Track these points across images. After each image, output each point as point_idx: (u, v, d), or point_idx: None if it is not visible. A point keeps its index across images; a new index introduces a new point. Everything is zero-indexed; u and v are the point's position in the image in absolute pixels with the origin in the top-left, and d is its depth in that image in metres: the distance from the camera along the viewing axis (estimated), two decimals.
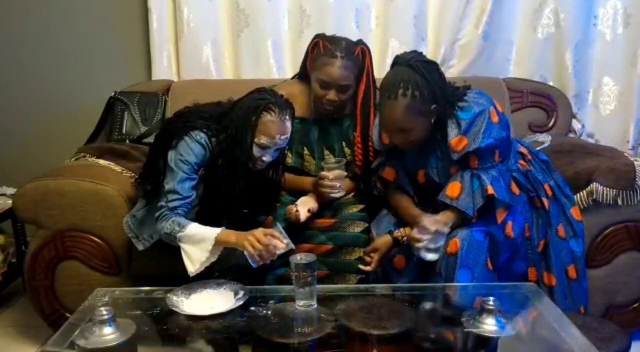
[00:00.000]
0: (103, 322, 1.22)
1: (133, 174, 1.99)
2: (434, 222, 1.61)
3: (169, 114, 2.37)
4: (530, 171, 1.81)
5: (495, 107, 1.69)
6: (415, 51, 1.70)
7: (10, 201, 2.22)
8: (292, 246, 1.51)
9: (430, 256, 1.59)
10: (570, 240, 1.81)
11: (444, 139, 1.68)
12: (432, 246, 1.59)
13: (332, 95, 1.87)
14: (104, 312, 1.23)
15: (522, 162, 1.82)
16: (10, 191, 2.40)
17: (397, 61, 1.65)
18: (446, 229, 1.62)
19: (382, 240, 1.72)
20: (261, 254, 1.49)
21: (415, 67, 1.60)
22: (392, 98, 1.60)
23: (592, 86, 2.60)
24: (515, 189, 1.73)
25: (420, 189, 1.83)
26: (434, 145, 1.73)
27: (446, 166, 1.72)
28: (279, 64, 2.61)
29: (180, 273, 1.57)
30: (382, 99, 1.65)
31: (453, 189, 1.66)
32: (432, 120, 1.65)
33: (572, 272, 1.80)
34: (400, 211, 1.80)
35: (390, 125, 1.66)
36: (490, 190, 1.61)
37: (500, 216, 1.65)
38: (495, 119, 1.66)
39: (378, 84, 1.97)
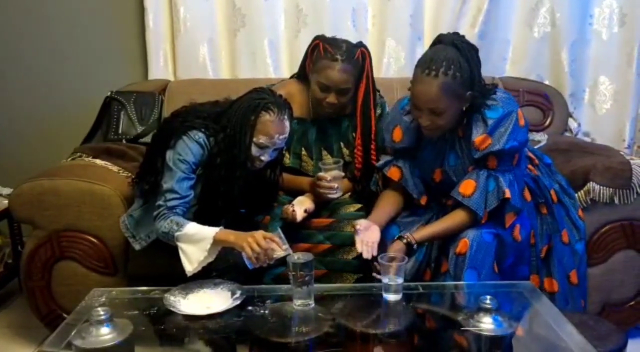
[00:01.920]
0: (100, 323, 1.22)
1: (129, 174, 1.98)
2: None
3: (166, 113, 2.36)
4: (539, 176, 1.80)
5: (521, 110, 1.67)
6: (458, 33, 1.66)
7: (6, 201, 2.21)
8: (290, 251, 1.50)
9: (392, 297, 1.47)
10: (576, 243, 1.81)
11: (466, 136, 1.66)
12: (391, 283, 1.46)
13: (331, 98, 1.87)
14: (101, 313, 1.22)
15: (530, 166, 1.81)
16: (6, 191, 2.39)
17: (442, 40, 1.61)
18: (403, 260, 1.51)
19: (395, 247, 1.65)
20: (258, 257, 1.49)
21: (461, 49, 1.57)
22: (432, 75, 1.55)
23: (588, 85, 2.61)
24: (527, 195, 1.72)
25: (433, 189, 1.82)
26: (454, 143, 1.71)
27: (464, 165, 1.70)
28: (276, 63, 2.61)
29: (177, 273, 1.57)
30: (420, 75, 1.57)
31: (467, 187, 1.64)
32: (464, 109, 1.62)
33: (573, 278, 1.80)
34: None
35: (422, 104, 1.60)
36: (508, 193, 1.60)
37: (509, 220, 1.64)
38: (522, 122, 1.64)
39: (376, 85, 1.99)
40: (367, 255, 1.59)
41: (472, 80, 1.58)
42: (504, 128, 1.61)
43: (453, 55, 1.56)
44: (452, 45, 1.58)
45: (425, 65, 1.57)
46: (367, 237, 1.63)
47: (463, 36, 1.64)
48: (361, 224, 1.66)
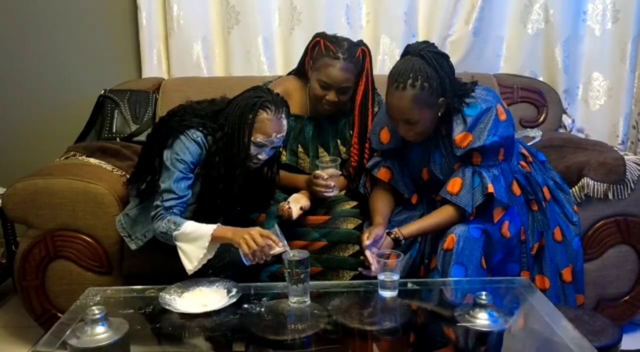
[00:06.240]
0: (95, 322, 1.21)
1: (124, 173, 1.98)
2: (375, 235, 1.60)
3: (160, 112, 2.35)
4: (531, 173, 1.80)
5: (502, 105, 1.68)
6: (427, 42, 1.67)
7: None
8: (287, 248, 1.50)
9: (388, 294, 1.48)
10: (573, 239, 1.81)
11: (449, 134, 1.67)
12: (387, 280, 1.46)
13: (331, 95, 1.87)
14: (96, 312, 1.22)
15: (523, 163, 1.81)
16: (0, 190, 2.38)
17: (409, 51, 1.62)
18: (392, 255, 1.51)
19: (384, 243, 1.65)
20: (255, 254, 1.49)
21: (426, 58, 1.58)
22: (401, 88, 1.57)
23: (581, 81, 2.62)
24: (516, 189, 1.72)
25: (423, 187, 1.83)
26: (438, 141, 1.72)
27: (450, 163, 1.71)
28: (270, 61, 2.61)
29: (172, 271, 1.56)
30: (390, 88, 1.61)
31: (454, 185, 1.66)
32: (439, 114, 1.64)
33: (567, 276, 1.80)
34: (371, 213, 1.79)
35: (396, 115, 1.63)
36: (491, 188, 1.61)
37: (497, 215, 1.65)
38: (502, 117, 1.65)
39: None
40: (376, 271, 1.55)
41: (442, 87, 1.60)
42: (484, 124, 1.62)
43: (419, 66, 1.57)
44: (418, 56, 1.59)
45: (393, 78, 1.60)
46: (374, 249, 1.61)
47: (432, 44, 1.65)
48: (372, 235, 1.62)
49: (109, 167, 2.02)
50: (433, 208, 1.74)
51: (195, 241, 1.54)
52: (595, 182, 1.87)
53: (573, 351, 1.23)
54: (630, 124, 2.62)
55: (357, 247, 1.78)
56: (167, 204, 1.59)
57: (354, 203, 1.90)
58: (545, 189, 1.81)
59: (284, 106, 1.66)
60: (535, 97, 2.48)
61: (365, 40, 1.99)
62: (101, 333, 1.21)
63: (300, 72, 2.01)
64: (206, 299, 1.46)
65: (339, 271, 1.78)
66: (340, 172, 1.89)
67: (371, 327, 1.42)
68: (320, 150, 2.01)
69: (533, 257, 1.77)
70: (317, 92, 1.88)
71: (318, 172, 1.84)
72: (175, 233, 1.55)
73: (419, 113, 1.60)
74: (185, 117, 1.68)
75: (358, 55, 1.87)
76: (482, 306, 1.34)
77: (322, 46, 1.86)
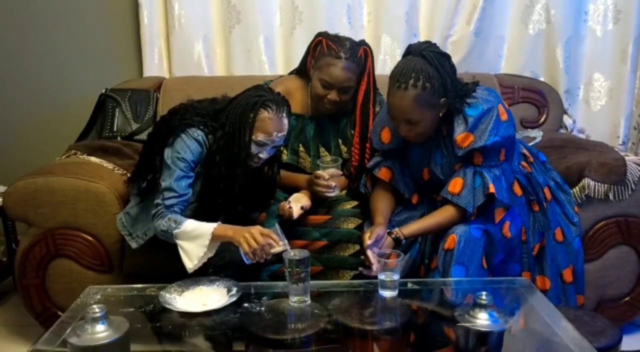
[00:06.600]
0: (95, 320, 1.21)
1: (124, 172, 1.98)
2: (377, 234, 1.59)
3: (161, 111, 2.36)
4: (532, 173, 1.80)
5: (503, 105, 1.67)
6: (428, 42, 1.67)
7: (0, 199, 2.20)
8: (288, 247, 1.50)
9: (388, 293, 1.47)
10: (574, 239, 1.81)
11: (450, 135, 1.67)
12: (387, 279, 1.46)
13: (333, 95, 1.87)
14: (97, 310, 1.21)
15: (524, 163, 1.81)
16: (1, 188, 2.38)
17: (410, 51, 1.63)
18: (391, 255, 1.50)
19: (385, 242, 1.65)
20: (255, 253, 1.49)
21: (428, 58, 1.58)
22: (402, 88, 1.57)
23: (582, 82, 2.62)
24: (517, 189, 1.72)
25: (424, 187, 1.83)
26: (439, 142, 1.72)
27: (451, 163, 1.71)
28: (271, 60, 2.61)
29: (173, 270, 1.56)
30: (392, 88, 1.61)
31: (455, 185, 1.66)
32: (441, 114, 1.64)
33: (567, 276, 1.79)
34: (371, 213, 1.79)
35: (397, 115, 1.64)
36: (492, 188, 1.61)
37: (499, 216, 1.65)
38: (503, 117, 1.65)
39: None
40: (376, 270, 1.54)
41: (444, 87, 1.60)
42: (485, 124, 1.62)
43: (421, 66, 1.57)
44: (420, 56, 1.59)
45: (395, 78, 1.60)
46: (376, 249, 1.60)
47: (434, 44, 1.65)
48: (374, 235, 1.62)
49: (109, 165, 2.02)
50: (434, 208, 1.74)
51: (195, 239, 1.54)
52: (596, 183, 1.87)
53: (573, 351, 1.23)
54: (631, 125, 2.62)
55: (357, 247, 1.78)
56: (167, 202, 1.59)
57: (355, 203, 1.90)
58: (546, 190, 1.81)
59: (285, 105, 1.66)
60: (536, 98, 2.48)
61: (366, 40, 1.99)
62: (101, 332, 1.20)
63: (302, 71, 2.01)
64: (206, 298, 1.46)
65: (339, 270, 1.78)
66: (341, 172, 1.89)
67: (371, 327, 1.41)
68: (322, 149, 2.01)
69: (534, 257, 1.77)
70: (319, 91, 1.88)
71: (319, 172, 1.84)
72: (175, 231, 1.55)
73: (420, 113, 1.60)
74: (186, 115, 1.68)
75: (360, 54, 1.87)
76: (483, 306, 1.34)
77: (324, 45, 1.86)
